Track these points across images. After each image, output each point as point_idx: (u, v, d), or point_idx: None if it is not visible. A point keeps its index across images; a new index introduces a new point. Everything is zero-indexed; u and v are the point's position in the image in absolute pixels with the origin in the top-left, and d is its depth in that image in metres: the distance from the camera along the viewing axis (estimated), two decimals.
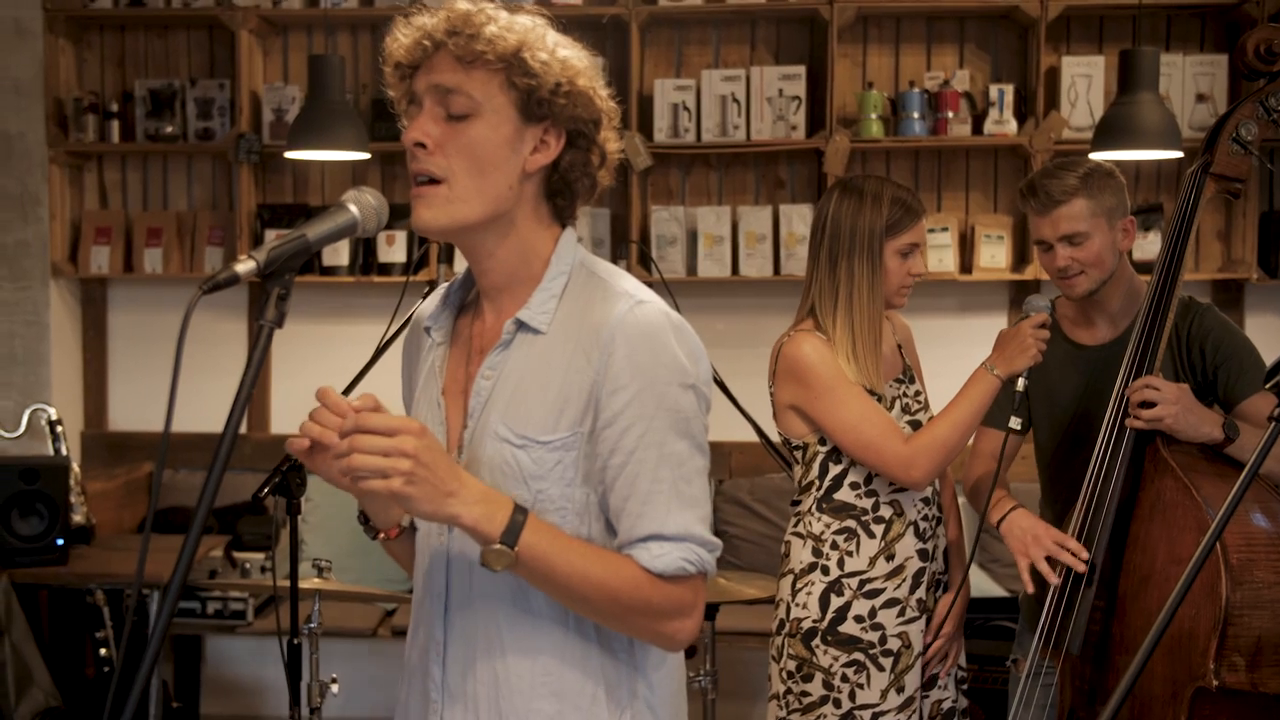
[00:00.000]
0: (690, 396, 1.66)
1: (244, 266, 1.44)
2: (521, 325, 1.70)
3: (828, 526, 2.84)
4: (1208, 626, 2.42)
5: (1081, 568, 2.62)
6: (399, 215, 3.88)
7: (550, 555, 1.60)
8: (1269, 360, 2.85)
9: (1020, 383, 2.75)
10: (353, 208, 1.59)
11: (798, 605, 2.84)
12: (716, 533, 5.06)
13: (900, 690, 2.82)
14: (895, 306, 2.90)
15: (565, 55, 1.69)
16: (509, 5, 1.70)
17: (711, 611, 3.38)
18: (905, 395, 2.91)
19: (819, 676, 2.81)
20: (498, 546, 1.57)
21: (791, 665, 2.84)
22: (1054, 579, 2.66)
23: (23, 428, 4.91)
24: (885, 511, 2.83)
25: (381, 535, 1.85)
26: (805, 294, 2.91)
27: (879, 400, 2.82)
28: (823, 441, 2.85)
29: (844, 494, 2.84)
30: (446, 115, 1.66)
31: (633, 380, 1.63)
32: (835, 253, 2.83)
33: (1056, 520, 2.83)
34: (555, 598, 1.66)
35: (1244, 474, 1.64)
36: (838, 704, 2.80)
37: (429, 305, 1.85)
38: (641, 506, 1.64)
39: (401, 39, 1.69)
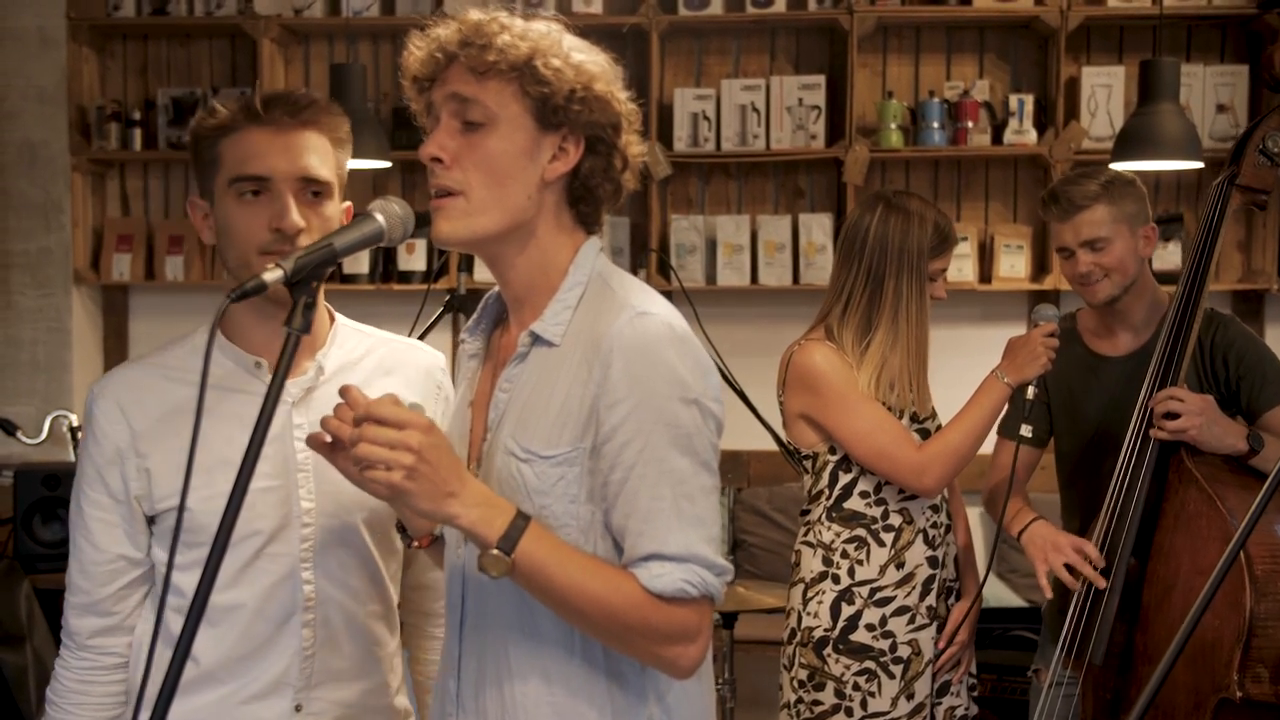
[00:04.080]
0: (692, 412, 1.60)
1: (271, 274, 1.45)
2: (536, 338, 1.68)
3: (838, 535, 2.84)
4: (1231, 638, 2.42)
5: (1102, 583, 2.62)
6: (419, 224, 3.89)
7: (548, 565, 1.56)
8: None
9: (1030, 390, 2.75)
10: (379, 217, 1.59)
11: (809, 614, 2.84)
12: (735, 542, 5.11)
13: (910, 697, 2.82)
14: None
15: (580, 60, 1.65)
16: (525, 12, 1.68)
17: (730, 620, 3.38)
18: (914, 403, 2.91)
19: (830, 685, 2.81)
20: (495, 552, 1.54)
21: (803, 674, 2.84)
22: (1074, 584, 2.65)
23: (44, 434, 4.94)
24: (895, 520, 2.83)
25: (415, 544, 1.86)
26: (830, 303, 2.90)
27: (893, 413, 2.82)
28: (833, 450, 2.85)
29: (854, 503, 2.84)
30: (463, 125, 1.63)
31: (629, 394, 1.58)
32: (880, 269, 2.81)
33: (1079, 532, 2.82)
34: (554, 611, 1.62)
35: (1266, 486, 1.62)
36: (849, 712, 2.80)
37: (473, 316, 1.84)
38: (642, 525, 1.59)
39: (416, 52, 1.67)
